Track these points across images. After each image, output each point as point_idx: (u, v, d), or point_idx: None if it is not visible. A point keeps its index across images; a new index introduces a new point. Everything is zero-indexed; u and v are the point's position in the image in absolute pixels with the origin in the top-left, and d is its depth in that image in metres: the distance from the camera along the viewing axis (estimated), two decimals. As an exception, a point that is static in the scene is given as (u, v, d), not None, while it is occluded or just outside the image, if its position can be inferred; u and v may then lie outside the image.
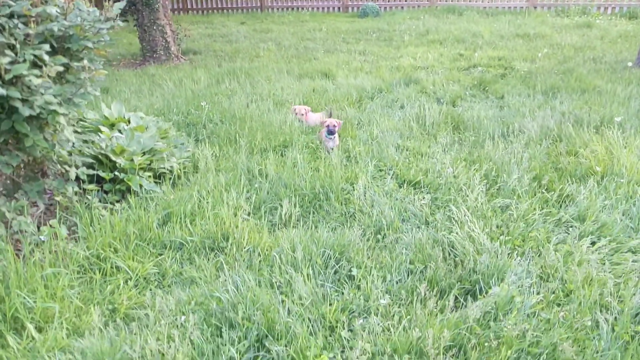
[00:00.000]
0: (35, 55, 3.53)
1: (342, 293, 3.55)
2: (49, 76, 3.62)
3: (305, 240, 4.08)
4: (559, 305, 3.44)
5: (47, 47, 3.57)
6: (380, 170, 5.59)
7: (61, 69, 3.62)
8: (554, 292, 3.52)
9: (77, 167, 4.51)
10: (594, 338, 3.09)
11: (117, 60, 13.47)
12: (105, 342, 3.01)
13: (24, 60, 3.44)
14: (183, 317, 3.21)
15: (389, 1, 20.05)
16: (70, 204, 4.54)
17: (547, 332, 3.08)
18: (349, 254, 3.97)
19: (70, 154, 4.43)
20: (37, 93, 3.48)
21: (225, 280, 3.57)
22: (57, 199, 4.60)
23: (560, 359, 2.92)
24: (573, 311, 3.29)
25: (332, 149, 6.35)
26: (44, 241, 3.97)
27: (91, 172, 4.69)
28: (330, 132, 6.33)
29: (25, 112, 3.45)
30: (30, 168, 4.27)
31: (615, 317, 3.27)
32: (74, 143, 4.44)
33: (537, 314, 3.30)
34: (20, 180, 4.23)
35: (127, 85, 9.90)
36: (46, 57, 3.57)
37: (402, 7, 19.68)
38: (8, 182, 4.11)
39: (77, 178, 4.82)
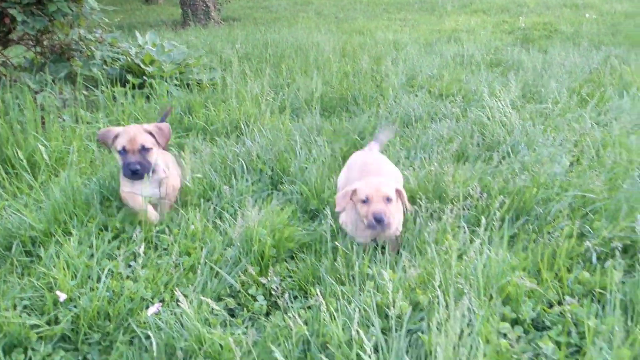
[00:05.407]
0: None
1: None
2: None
3: (324, 125, 3.97)
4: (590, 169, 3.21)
5: None
6: (412, 87, 5.40)
7: None
8: (587, 162, 3.29)
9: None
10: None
11: (158, 26, 13.62)
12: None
13: None
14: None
15: (432, -20, 19.76)
16: (94, 96, 4.54)
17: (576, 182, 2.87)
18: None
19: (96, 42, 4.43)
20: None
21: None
22: (85, 92, 4.62)
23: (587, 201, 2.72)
24: (606, 172, 3.06)
25: None
26: (65, 120, 3.97)
27: (114, 54, 4.66)
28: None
29: (49, -34, 3.45)
30: (57, 50, 4.28)
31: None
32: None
33: (567, 172, 3.10)
34: (47, 61, 4.25)
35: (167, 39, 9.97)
36: None
37: (446, -14, 19.35)
38: (34, 60, 4.14)
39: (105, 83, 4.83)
